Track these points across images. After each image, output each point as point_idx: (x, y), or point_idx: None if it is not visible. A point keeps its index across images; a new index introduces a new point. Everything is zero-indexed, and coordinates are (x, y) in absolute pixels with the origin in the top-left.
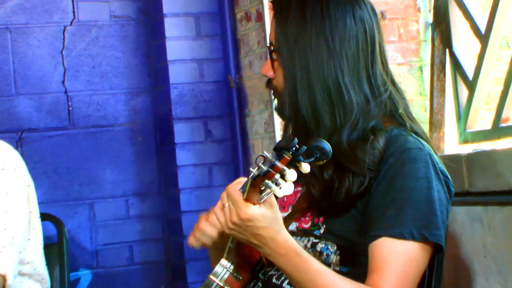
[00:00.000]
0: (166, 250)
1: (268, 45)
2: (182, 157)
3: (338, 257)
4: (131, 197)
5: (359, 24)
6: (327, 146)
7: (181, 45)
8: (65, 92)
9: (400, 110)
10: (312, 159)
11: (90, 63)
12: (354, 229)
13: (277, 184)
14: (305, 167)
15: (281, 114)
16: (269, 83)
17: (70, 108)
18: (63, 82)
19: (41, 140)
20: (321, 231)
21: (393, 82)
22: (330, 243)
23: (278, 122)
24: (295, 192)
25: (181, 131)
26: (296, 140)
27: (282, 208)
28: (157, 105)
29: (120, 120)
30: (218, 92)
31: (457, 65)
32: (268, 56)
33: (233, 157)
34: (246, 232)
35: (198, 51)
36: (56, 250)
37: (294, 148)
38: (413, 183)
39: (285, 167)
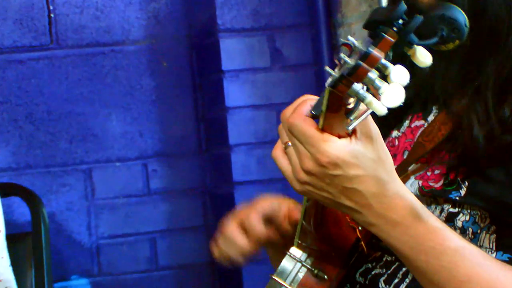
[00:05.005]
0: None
1: None
2: (234, 93)
3: (493, 237)
4: (152, 161)
5: None
6: (461, 15)
7: None
8: None
9: None
10: (434, 39)
11: None
12: None
13: (374, 89)
14: (423, 57)
15: None
16: None
17: (52, 16)
18: None
19: (6, 67)
20: (462, 192)
21: None
22: (478, 214)
23: None
24: (412, 130)
25: (231, 52)
26: (403, 5)
27: (394, 159)
28: (194, 9)
29: (132, 34)
30: None
31: None
32: None
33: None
34: (331, 187)
35: None
36: (30, 244)
37: (401, 21)
38: None
39: (383, 59)
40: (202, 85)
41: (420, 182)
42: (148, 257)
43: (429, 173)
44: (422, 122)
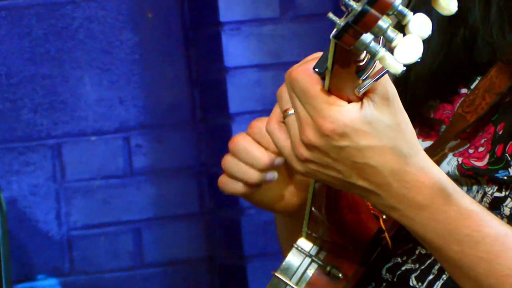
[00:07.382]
0: (209, 238)
1: None
2: (235, 50)
3: None
4: (135, 134)
5: None
6: None
7: None
8: None
9: None
10: None
11: None
12: None
13: (386, 41)
14: (446, 2)
15: None
16: None
17: None
18: None
19: None
20: None
21: None
22: None
23: None
24: (452, 100)
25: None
26: None
27: (426, 134)
28: None
29: None
30: None
31: None
32: None
33: None
34: (338, 163)
35: None
36: None
37: None
38: None
39: (400, 5)
40: (195, 41)
41: (460, 159)
42: (132, 251)
43: (471, 151)
44: (464, 90)
